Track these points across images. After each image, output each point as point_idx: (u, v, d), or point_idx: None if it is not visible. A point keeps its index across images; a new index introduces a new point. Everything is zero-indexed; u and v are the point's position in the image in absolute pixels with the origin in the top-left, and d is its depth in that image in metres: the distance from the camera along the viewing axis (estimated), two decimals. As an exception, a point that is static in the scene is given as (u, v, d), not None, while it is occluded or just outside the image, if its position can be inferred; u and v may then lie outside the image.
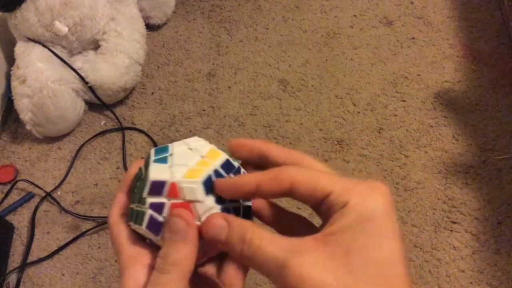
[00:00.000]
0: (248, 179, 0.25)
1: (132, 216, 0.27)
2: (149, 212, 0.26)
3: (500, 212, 1.02)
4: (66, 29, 1.12)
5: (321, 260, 0.21)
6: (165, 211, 0.26)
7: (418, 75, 1.25)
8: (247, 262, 0.23)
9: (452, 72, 1.25)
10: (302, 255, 0.21)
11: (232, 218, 0.25)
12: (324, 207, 0.23)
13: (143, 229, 0.26)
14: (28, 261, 1.04)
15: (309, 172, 0.24)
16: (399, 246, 0.22)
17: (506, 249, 0.98)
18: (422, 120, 1.17)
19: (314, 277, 0.20)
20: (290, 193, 0.24)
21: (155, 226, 0.26)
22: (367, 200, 0.22)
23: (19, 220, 1.10)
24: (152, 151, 0.28)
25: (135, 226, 0.27)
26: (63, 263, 1.04)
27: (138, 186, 0.28)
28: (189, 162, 0.27)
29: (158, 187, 0.26)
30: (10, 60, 1.20)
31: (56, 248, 1.05)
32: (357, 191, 0.23)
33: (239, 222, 0.24)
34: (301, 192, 0.24)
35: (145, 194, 0.26)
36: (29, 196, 1.13)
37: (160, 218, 0.26)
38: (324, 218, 0.24)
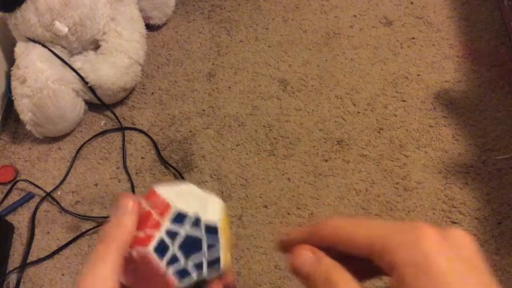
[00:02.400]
0: (293, 237, 0.25)
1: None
2: None
3: (500, 212, 1.02)
4: (66, 29, 1.12)
5: None
6: None
7: (418, 75, 1.25)
8: None
9: (452, 72, 1.25)
10: None
11: (321, 254, 0.23)
12: (374, 263, 0.21)
13: None
14: (28, 261, 1.04)
15: (346, 225, 0.22)
16: (479, 284, 0.19)
17: (506, 249, 0.98)
18: (422, 120, 1.17)
19: None
20: (335, 246, 0.23)
21: None
22: (414, 252, 0.19)
23: (19, 220, 1.10)
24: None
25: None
26: (63, 263, 1.04)
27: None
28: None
29: None
30: (10, 60, 1.20)
31: (56, 248, 1.05)
32: (399, 243, 0.20)
33: (328, 260, 0.22)
34: (342, 248, 0.22)
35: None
36: (29, 196, 1.13)
37: None
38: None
